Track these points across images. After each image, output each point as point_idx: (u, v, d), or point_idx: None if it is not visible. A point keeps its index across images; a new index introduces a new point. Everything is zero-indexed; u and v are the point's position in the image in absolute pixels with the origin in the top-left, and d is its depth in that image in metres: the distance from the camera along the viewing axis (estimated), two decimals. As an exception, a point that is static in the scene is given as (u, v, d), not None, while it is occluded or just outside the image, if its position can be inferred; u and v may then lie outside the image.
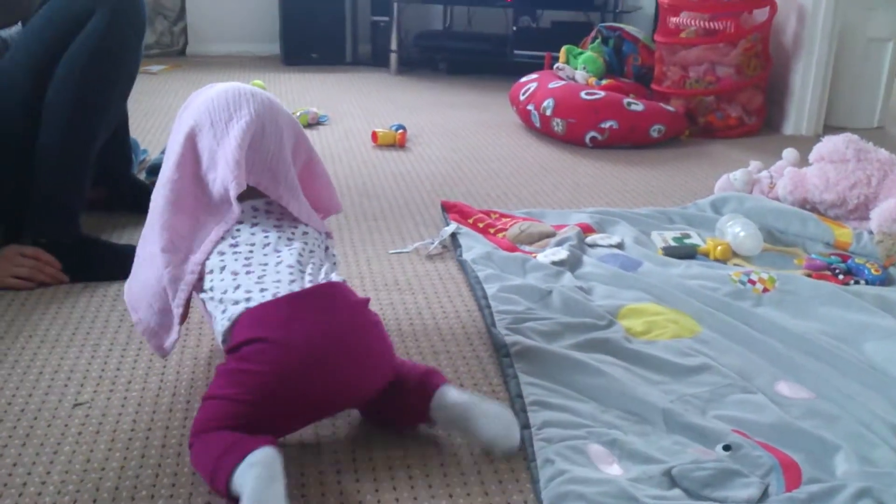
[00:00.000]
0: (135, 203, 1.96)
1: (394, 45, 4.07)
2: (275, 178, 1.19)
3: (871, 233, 1.90)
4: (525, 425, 1.18)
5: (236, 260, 1.14)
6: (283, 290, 1.08)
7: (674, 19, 2.99)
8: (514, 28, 4.10)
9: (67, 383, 1.26)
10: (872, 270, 1.74)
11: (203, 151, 1.19)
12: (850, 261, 1.79)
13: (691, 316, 1.55)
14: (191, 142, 1.19)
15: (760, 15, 2.98)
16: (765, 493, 1.07)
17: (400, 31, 4.08)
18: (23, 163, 1.58)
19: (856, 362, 1.39)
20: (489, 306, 1.54)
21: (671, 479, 1.08)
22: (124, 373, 1.30)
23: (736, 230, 1.86)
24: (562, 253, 1.75)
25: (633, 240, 1.89)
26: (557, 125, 2.76)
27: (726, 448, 1.15)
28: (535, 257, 1.75)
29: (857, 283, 1.72)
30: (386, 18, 4.13)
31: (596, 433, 1.17)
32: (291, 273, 1.11)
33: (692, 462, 1.11)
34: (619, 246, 1.86)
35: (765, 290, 1.65)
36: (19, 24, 1.74)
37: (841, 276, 1.74)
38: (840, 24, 2.98)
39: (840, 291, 1.62)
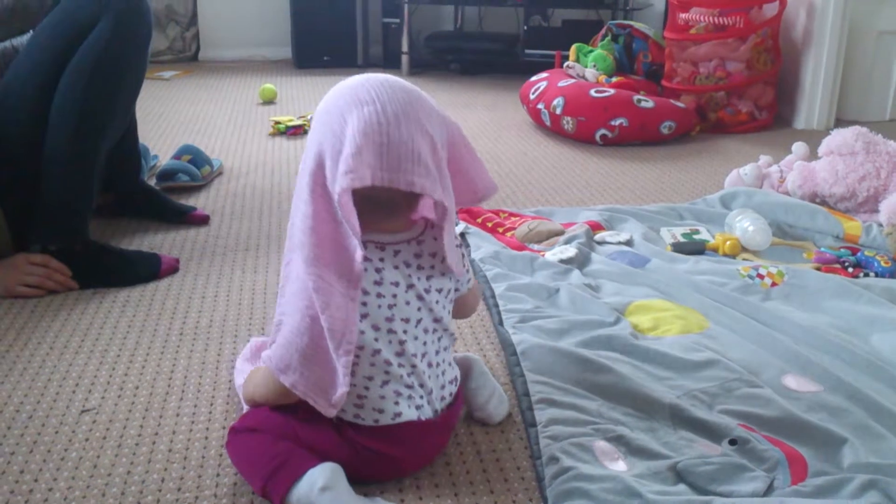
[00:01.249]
0: (144, 209, 1.98)
1: (405, 47, 4.07)
2: (428, 172, 0.96)
3: (880, 225, 1.89)
4: (531, 423, 1.18)
5: (389, 343, 1.02)
6: (426, 412, 1.07)
7: (683, 15, 2.98)
8: (525, 27, 4.10)
9: (75, 390, 1.27)
10: (882, 262, 1.73)
11: (326, 161, 0.96)
12: (859, 253, 1.78)
13: (699, 311, 1.54)
14: (316, 158, 0.98)
15: (770, 10, 2.96)
16: (770, 487, 1.06)
17: (411, 33, 4.09)
18: (31, 170, 1.59)
19: (863, 354, 1.38)
20: (497, 305, 1.54)
21: (676, 475, 1.08)
22: (132, 378, 1.31)
23: (745, 225, 1.84)
24: (570, 251, 1.75)
25: (641, 236, 1.88)
26: (568, 123, 2.76)
27: (732, 442, 1.14)
28: (543, 256, 1.75)
29: (866, 275, 1.71)
30: (397, 20, 4.13)
31: (602, 430, 1.16)
32: (430, 379, 1.07)
33: (698, 457, 1.10)
34: (628, 243, 1.85)
35: (773, 284, 1.64)
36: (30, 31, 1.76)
37: (850, 269, 1.73)
38: (850, 18, 2.96)
39: (848, 284, 1.61)
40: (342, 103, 0.97)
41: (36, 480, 1.06)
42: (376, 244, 1.02)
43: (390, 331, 1.02)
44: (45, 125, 1.58)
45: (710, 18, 2.92)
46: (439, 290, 1.06)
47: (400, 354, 1.04)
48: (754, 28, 2.88)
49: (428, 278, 1.05)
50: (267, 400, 1.07)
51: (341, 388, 0.97)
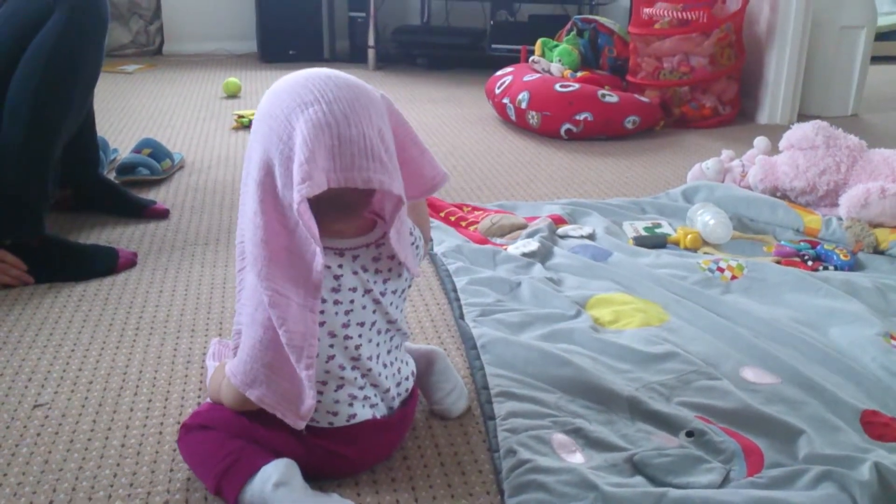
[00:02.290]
0: (102, 203, 1.95)
1: (371, 41, 4.06)
2: (384, 167, 0.93)
3: (840, 219, 1.91)
4: (490, 416, 1.18)
5: (345, 349, 1.01)
6: (381, 409, 1.06)
7: (647, 10, 2.99)
8: (492, 22, 4.09)
9: (28, 385, 1.25)
10: (841, 256, 1.75)
11: (275, 169, 0.93)
12: (819, 247, 1.80)
13: (659, 304, 1.54)
14: (263, 166, 0.94)
15: (733, 4, 2.99)
16: (726, 479, 1.07)
17: (377, 27, 4.07)
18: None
19: (821, 347, 1.39)
20: (458, 299, 1.54)
21: (633, 467, 1.08)
22: (86, 373, 1.29)
23: (706, 219, 1.86)
24: (532, 244, 1.75)
25: (604, 230, 1.88)
26: (532, 118, 2.76)
27: (689, 434, 1.15)
28: (505, 249, 1.75)
29: (825, 268, 1.73)
30: (363, 14, 4.11)
31: (560, 422, 1.16)
32: (384, 379, 1.06)
33: (654, 449, 1.11)
34: (591, 237, 1.86)
35: (733, 277, 1.65)
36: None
37: (810, 263, 1.75)
38: (813, 13, 2.99)
39: (807, 277, 1.63)
40: (285, 106, 0.93)
41: (-16, 477, 1.04)
42: (335, 250, 0.99)
43: (346, 336, 1.01)
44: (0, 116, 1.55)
45: (674, 13, 2.93)
46: (394, 292, 1.05)
47: (355, 360, 1.02)
48: (717, 23, 2.90)
49: (385, 281, 1.04)
50: (232, 407, 1.04)
51: (308, 401, 0.96)
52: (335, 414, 1.02)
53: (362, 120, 0.93)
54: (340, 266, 0.99)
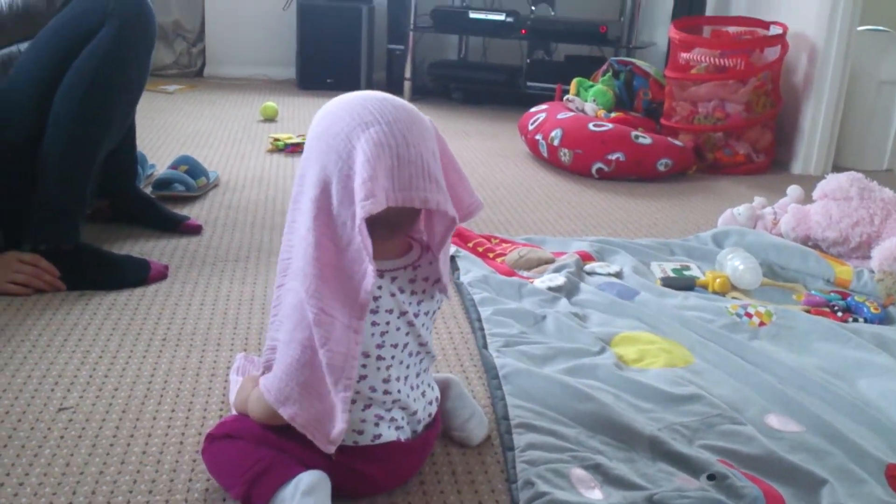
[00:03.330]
0: (138, 215, 1.98)
1: (408, 73, 4.10)
2: (439, 187, 0.96)
3: (872, 271, 1.89)
4: (509, 447, 1.17)
5: (378, 370, 1.02)
6: (405, 433, 1.06)
7: (685, 55, 3.01)
8: (528, 60, 4.13)
9: (54, 388, 1.27)
10: (872, 309, 1.73)
11: (332, 187, 0.94)
12: (849, 298, 1.78)
13: (685, 346, 1.54)
14: (320, 184, 0.95)
15: (772, 53, 2.99)
16: (747, 525, 1.06)
17: (415, 60, 4.12)
18: (27, 171, 1.59)
19: (849, 398, 1.37)
20: (482, 328, 1.54)
21: (653, 506, 1.07)
22: (111, 380, 1.30)
23: (735, 263, 1.85)
24: (559, 279, 1.75)
25: (631, 269, 1.88)
26: (564, 155, 2.77)
27: (711, 477, 1.13)
28: (532, 283, 1.75)
29: (855, 320, 1.71)
30: (401, 47, 4.17)
31: (580, 457, 1.15)
32: (412, 401, 1.07)
33: (674, 490, 1.10)
34: (618, 275, 1.85)
35: (761, 323, 1.64)
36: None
37: (840, 314, 1.73)
38: (851, 66, 2.99)
39: (837, 328, 1.61)
40: (345, 125, 0.94)
41: (7, 475, 1.05)
42: (375, 271, 1.01)
43: (379, 357, 1.01)
44: (43, 126, 1.59)
45: (712, 59, 2.95)
46: (426, 314, 1.06)
47: (386, 381, 1.03)
48: (755, 71, 2.91)
49: (419, 303, 1.04)
50: (260, 421, 1.04)
51: (340, 425, 0.95)
52: (360, 433, 1.02)
53: (419, 142, 0.95)
54: (380, 287, 1.00)
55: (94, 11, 1.59)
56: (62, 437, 1.14)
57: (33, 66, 1.61)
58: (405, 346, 1.04)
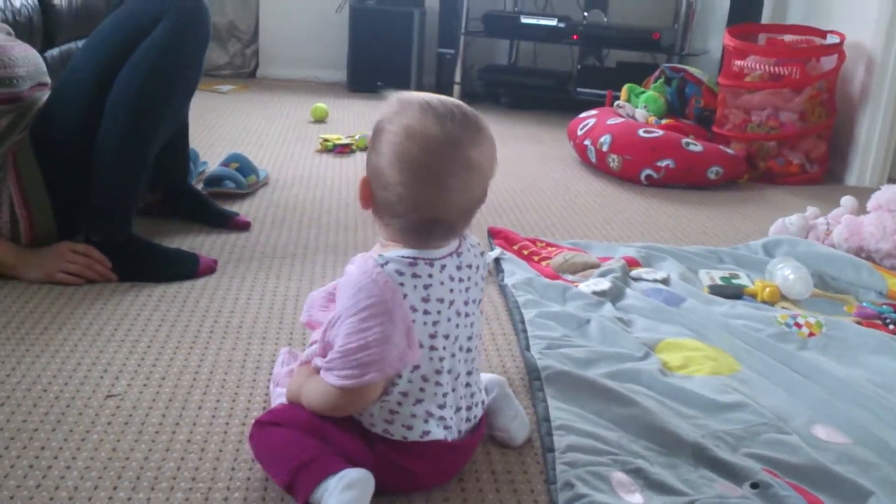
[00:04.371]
0: (188, 210, 2.02)
1: (457, 77, 4.12)
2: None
3: (927, 284, 1.85)
4: (549, 448, 1.17)
5: (430, 360, 1.02)
6: (453, 433, 1.06)
7: (738, 62, 2.97)
8: (579, 66, 4.11)
9: (103, 375, 1.29)
10: (926, 322, 1.68)
11: None
12: (903, 311, 1.74)
13: (731, 354, 1.51)
14: None
15: (828, 63, 2.94)
16: (789, 534, 1.04)
17: (465, 65, 4.13)
18: (83, 162, 1.63)
19: (899, 411, 1.34)
20: (525, 330, 1.53)
21: (693, 513, 1.06)
22: (159, 369, 1.33)
23: (786, 273, 1.82)
24: (604, 284, 1.73)
25: (678, 276, 1.86)
26: (613, 161, 2.75)
27: (754, 486, 1.11)
28: (576, 286, 1.74)
29: (908, 333, 1.67)
30: (452, 51, 4.18)
31: (621, 461, 1.14)
32: (460, 399, 1.07)
33: (716, 496, 1.08)
34: (665, 281, 1.83)
35: (811, 334, 1.61)
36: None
37: (892, 327, 1.69)
38: (910, 76, 2.92)
39: (889, 340, 1.57)
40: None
41: (56, 458, 1.08)
42: (426, 261, 1.01)
43: (432, 347, 1.02)
44: (99, 118, 1.62)
45: (767, 67, 2.90)
46: (474, 301, 1.07)
47: (438, 372, 1.03)
48: (810, 80, 2.86)
49: (466, 290, 1.05)
50: (323, 411, 1.04)
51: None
52: (410, 428, 1.03)
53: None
54: (430, 276, 1.01)
55: (151, 7, 1.63)
56: (109, 423, 1.17)
57: (90, 61, 1.64)
58: (456, 338, 1.04)
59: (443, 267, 1.02)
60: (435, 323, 1.01)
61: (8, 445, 1.10)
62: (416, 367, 1.01)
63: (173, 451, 1.11)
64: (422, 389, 1.02)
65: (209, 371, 1.33)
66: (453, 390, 1.05)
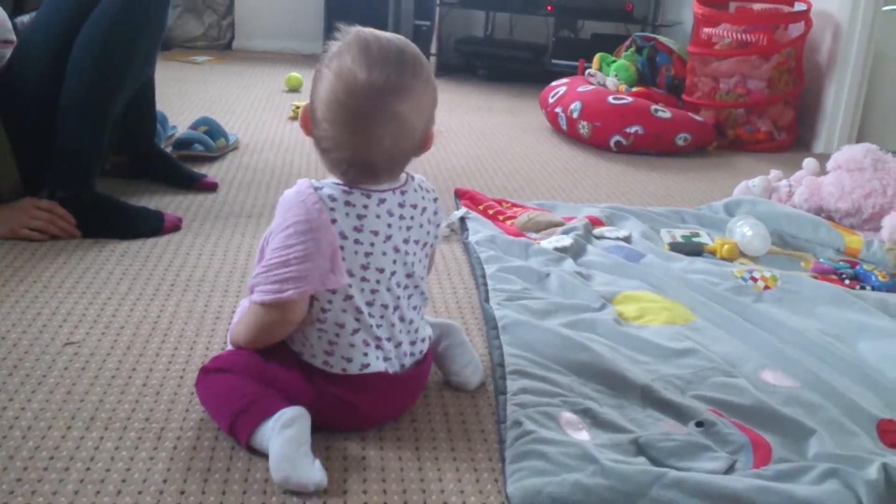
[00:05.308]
0: (156, 172, 2.02)
1: (433, 49, 4.11)
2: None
3: (882, 241, 1.88)
4: (502, 391, 1.19)
5: (362, 291, 1.04)
6: (393, 365, 1.08)
7: (707, 30, 2.99)
8: (554, 38, 4.12)
9: (62, 325, 1.31)
10: (880, 277, 1.72)
11: None
12: (858, 267, 1.77)
13: (687, 306, 1.54)
14: None
15: (795, 30, 2.96)
16: (731, 468, 1.07)
17: (441, 36, 4.13)
18: (46, 122, 1.63)
19: (848, 358, 1.37)
20: (486, 284, 1.55)
21: (638, 448, 1.08)
22: (119, 319, 1.34)
23: (744, 230, 1.85)
24: (565, 240, 1.76)
25: (640, 234, 1.89)
26: (583, 128, 2.77)
27: (699, 425, 1.14)
28: (539, 244, 1.76)
29: (863, 288, 1.70)
30: (428, 23, 4.17)
31: (570, 402, 1.17)
32: (400, 333, 1.09)
33: (661, 434, 1.11)
34: (626, 239, 1.86)
35: (766, 287, 1.64)
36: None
37: (847, 282, 1.72)
38: (875, 43, 2.95)
39: (842, 292, 1.61)
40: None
41: (11, 400, 1.09)
42: (363, 191, 1.03)
43: (363, 279, 1.04)
44: (62, 76, 1.62)
45: (735, 35, 2.92)
46: (416, 242, 1.08)
47: (371, 304, 1.05)
48: (778, 47, 2.88)
49: (408, 229, 1.07)
50: (251, 337, 1.07)
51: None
52: (349, 360, 1.05)
53: None
54: (365, 207, 1.03)
55: (111, -35, 1.62)
56: (66, 369, 1.18)
57: (52, 18, 1.64)
58: (392, 273, 1.06)
59: (381, 201, 1.04)
60: (367, 254, 1.03)
61: (-36, 389, 1.11)
62: (350, 297, 1.03)
63: (128, 395, 1.13)
64: (357, 319, 1.04)
65: (168, 321, 1.35)
66: (391, 325, 1.07)
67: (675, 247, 1.84)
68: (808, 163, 2.26)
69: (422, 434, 1.10)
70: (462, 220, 1.90)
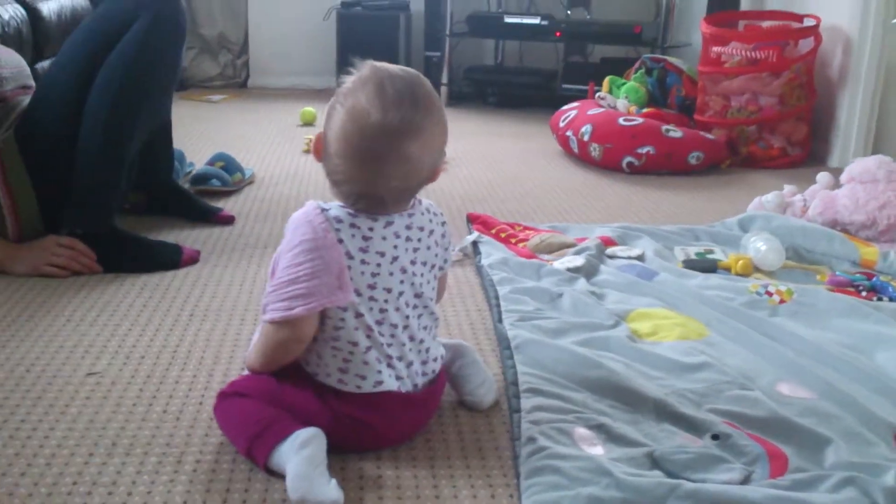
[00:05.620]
0: (174, 207, 2.06)
1: (444, 79, 4.16)
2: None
3: (897, 251, 1.88)
4: (516, 409, 1.20)
5: (370, 310, 1.06)
6: (406, 385, 1.10)
7: (716, 49, 3.01)
8: (564, 64, 4.15)
9: (84, 356, 1.33)
10: (896, 287, 1.71)
11: None
12: (874, 279, 1.77)
13: (701, 321, 1.55)
14: None
15: (805, 45, 2.97)
16: (747, 479, 1.07)
17: (451, 66, 4.17)
18: (67, 160, 1.68)
19: (865, 369, 1.37)
20: (498, 305, 1.57)
21: (653, 462, 1.09)
22: (139, 349, 1.37)
23: (758, 245, 1.85)
24: (578, 260, 1.77)
25: (654, 253, 1.89)
26: (595, 150, 2.79)
27: (714, 437, 1.15)
28: (551, 264, 1.77)
29: (880, 300, 1.70)
30: (438, 54, 4.23)
31: (584, 418, 1.18)
32: (411, 353, 1.11)
33: (676, 446, 1.11)
34: (640, 258, 1.87)
35: (781, 301, 1.64)
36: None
37: (864, 293, 1.72)
38: (887, 57, 2.95)
39: (858, 304, 1.60)
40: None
41: (34, 429, 1.12)
42: (368, 215, 1.06)
43: (371, 298, 1.06)
44: (80, 117, 1.67)
45: (745, 53, 2.94)
46: (423, 263, 1.10)
47: (380, 323, 1.07)
48: (788, 63, 2.89)
49: (414, 250, 1.09)
50: (264, 358, 1.09)
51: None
52: (363, 378, 1.06)
53: None
54: (371, 229, 1.05)
55: (126, 8, 1.67)
56: (88, 398, 1.21)
57: (70, 62, 1.69)
58: (400, 294, 1.08)
59: (388, 223, 1.06)
60: (374, 274, 1.05)
61: (-11, 420, 1.14)
62: (361, 315, 1.05)
63: (149, 421, 1.15)
64: (368, 336, 1.06)
65: (187, 350, 1.37)
66: (401, 344, 1.09)
67: (689, 264, 1.85)
68: (822, 177, 2.26)
69: (437, 452, 1.11)
70: (475, 244, 1.92)
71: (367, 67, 1.05)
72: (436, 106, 1.05)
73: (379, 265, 1.05)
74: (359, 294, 1.05)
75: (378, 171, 1.02)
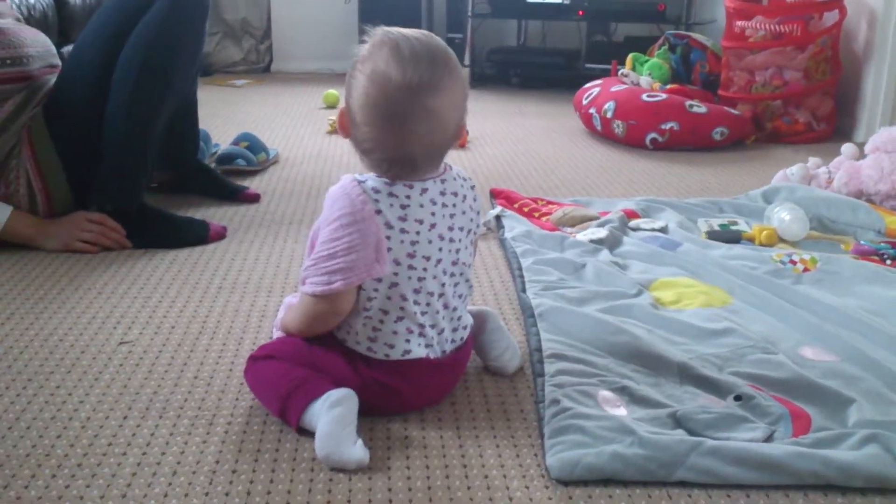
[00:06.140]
0: (200, 186, 2.09)
1: (467, 61, 4.16)
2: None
3: (924, 220, 1.86)
4: (540, 374, 1.21)
5: (409, 279, 1.07)
6: (435, 351, 1.11)
7: (740, 23, 2.98)
8: (587, 43, 4.14)
9: (116, 326, 1.37)
10: (922, 255, 1.71)
11: None
12: (900, 247, 1.76)
13: (724, 289, 1.55)
14: None
15: (830, 19, 2.94)
16: (770, 438, 1.07)
17: (474, 48, 4.17)
18: (95, 138, 1.71)
19: (889, 333, 1.37)
20: (522, 276, 1.58)
21: (676, 421, 1.10)
22: (169, 320, 1.39)
23: (782, 215, 1.85)
24: (601, 232, 1.77)
25: (677, 224, 1.89)
26: (618, 127, 2.79)
27: (737, 398, 1.15)
28: (574, 237, 1.78)
29: (905, 267, 1.69)
30: (461, 35, 4.23)
31: (608, 381, 1.19)
32: (444, 320, 1.12)
33: (699, 406, 1.12)
34: (663, 230, 1.87)
35: (805, 269, 1.64)
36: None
37: (889, 262, 1.71)
38: (914, 29, 2.92)
39: (882, 271, 1.60)
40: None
41: (70, 394, 1.15)
42: (404, 183, 1.06)
43: (410, 266, 1.06)
44: (106, 95, 1.69)
45: (769, 26, 2.92)
46: (461, 229, 1.11)
47: (417, 292, 1.08)
48: (812, 37, 2.87)
49: (451, 216, 1.09)
50: (302, 327, 1.11)
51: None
52: (391, 346, 1.08)
53: None
54: (408, 197, 1.06)
55: (150, -15, 1.69)
56: (121, 365, 1.24)
57: (95, 41, 1.72)
58: (439, 261, 1.08)
59: (424, 190, 1.07)
60: (413, 242, 1.06)
61: (26, 386, 1.17)
62: (395, 285, 1.06)
63: (181, 387, 1.18)
64: (402, 308, 1.07)
65: (217, 320, 1.40)
66: (435, 311, 1.10)
67: (713, 235, 1.85)
68: (847, 148, 2.24)
69: (462, 415, 1.13)
70: (498, 217, 1.93)
71: (379, 33, 1.06)
72: (453, 61, 1.05)
73: (418, 233, 1.06)
74: (398, 264, 1.05)
75: (406, 131, 1.02)
